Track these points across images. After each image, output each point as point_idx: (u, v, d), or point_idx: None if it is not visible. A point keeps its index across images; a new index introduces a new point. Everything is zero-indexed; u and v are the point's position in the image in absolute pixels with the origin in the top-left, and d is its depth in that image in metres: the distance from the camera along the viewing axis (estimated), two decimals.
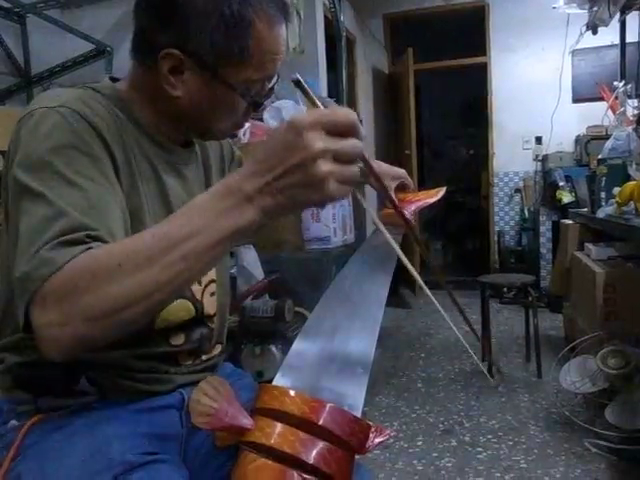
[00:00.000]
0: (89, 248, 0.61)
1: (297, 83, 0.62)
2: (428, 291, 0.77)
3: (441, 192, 1.08)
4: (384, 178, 1.07)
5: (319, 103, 0.64)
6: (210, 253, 0.60)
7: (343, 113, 0.58)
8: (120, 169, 0.76)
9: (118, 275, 0.58)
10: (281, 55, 0.80)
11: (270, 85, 0.84)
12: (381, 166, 1.09)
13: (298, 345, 0.68)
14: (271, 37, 0.77)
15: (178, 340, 0.86)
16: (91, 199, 0.67)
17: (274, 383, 0.73)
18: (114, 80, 0.87)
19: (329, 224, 2.38)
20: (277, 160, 0.57)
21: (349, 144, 0.57)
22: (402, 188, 1.11)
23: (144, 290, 0.59)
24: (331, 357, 0.72)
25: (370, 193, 1.15)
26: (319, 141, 0.55)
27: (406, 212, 1.08)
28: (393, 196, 1.06)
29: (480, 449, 2.24)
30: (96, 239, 0.64)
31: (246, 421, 0.67)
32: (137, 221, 0.78)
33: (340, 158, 0.56)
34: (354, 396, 0.71)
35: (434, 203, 1.06)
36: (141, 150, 0.81)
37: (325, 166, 0.55)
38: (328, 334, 0.68)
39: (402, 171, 1.10)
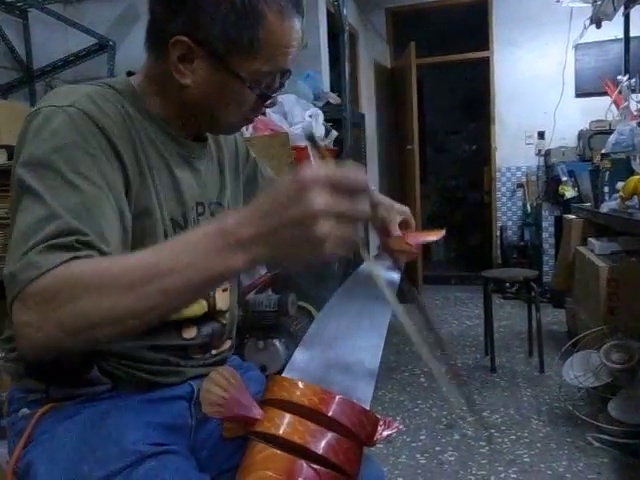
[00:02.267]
0: (76, 257, 0.61)
1: (310, 138, 0.63)
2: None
3: (441, 233, 1.11)
4: (389, 211, 1.06)
5: (330, 159, 0.62)
6: (190, 291, 0.60)
7: (354, 173, 0.55)
8: (128, 169, 0.76)
9: (97, 294, 0.58)
10: (293, 49, 0.79)
11: (282, 80, 0.83)
12: (386, 200, 1.08)
13: (307, 340, 0.68)
14: (283, 30, 0.76)
15: (190, 334, 0.87)
16: (87, 202, 0.67)
17: (285, 372, 0.73)
18: (130, 74, 0.87)
19: None
20: (277, 211, 0.54)
21: (356, 208, 0.55)
22: (405, 226, 1.12)
23: (118, 314, 0.58)
24: (340, 354, 0.72)
25: None
26: (323, 199, 0.53)
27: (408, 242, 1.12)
28: (397, 229, 1.08)
29: (483, 443, 2.25)
30: (86, 244, 0.64)
31: (256, 411, 0.68)
32: (148, 218, 0.78)
33: (343, 219, 0.54)
34: (363, 389, 0.71)
35: (434, 241, 1.08)
36: (152, 144, 0.81)
37: (325, 226, 0.53)
38: (337, 332, 0.68)
39: (406, 209, 1.09)
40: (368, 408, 0.70)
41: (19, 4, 3.32)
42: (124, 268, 0.59)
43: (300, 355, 0.72)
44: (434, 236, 1.11)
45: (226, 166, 0.98)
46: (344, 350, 0.76)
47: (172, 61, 0.77)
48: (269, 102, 0.84)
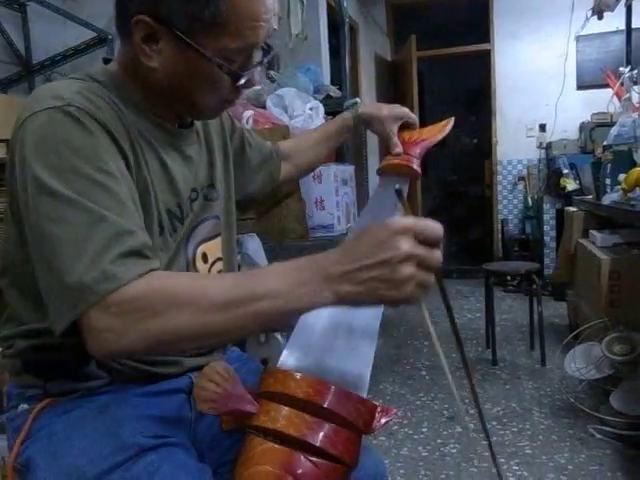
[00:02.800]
0: (152, 269, 0.64)
1: (399, 193, 0.67)
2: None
3: (448, 125, 1.02)
4: (385, 121, 1.06)
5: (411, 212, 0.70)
6: (277, 318, 0.64)
7: (434, 226, 0.62)
8: (129, 161, 0.75)
9: (190, 312, 0.61)
10: (264, 23, 0.74)
11: (258, 59, 0.79)
12: (381, 109, 1.08)
13: (302, 322, 0.68)
14: (248, 2, 0.72)
15: None
16: (119, 199, 0.68)
17: (279, 364, 0.72)
18: (107, 62, 0.84)
19: (333, 212, 2.37)
20: (366, 253, 0.60)
21: (434, 255, 0.61)
22: (405, 127, 1.08)
23: (207, 332, 0.63)
24: (336, 332, 0.71)
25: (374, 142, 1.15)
26: (410, 245, 0.60)
27: (413, 156, 1.04)
28: (398, 141, 1.04)
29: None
30: (145, 246, 0.67)
31: (250, 406, 0.67)
32: (145, 211, 0.77)
33: (422, 265, 0.61)
34: (359, 375, 0.70)
35: (442, 140, 1.01)
36: (142, 135, 0.80)
37: (409, 269, 0.60)
38: (332, 311, 0.67)
39: (404, 110, 1.08)
40: (365, 395, 0.69)
41: None
42: (220, 288, 0.63)
43: (295, 342, 0.71)
44: (440, 132, 1.00)
45: (214, 144, 0.96)
46: (339, 334, 0.75)
47: (136, 42, 0.74)
48: (244, 81, 0.78)
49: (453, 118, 1.03)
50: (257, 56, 0.79)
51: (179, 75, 0.76)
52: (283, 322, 0.65)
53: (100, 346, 0.63)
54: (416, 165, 1.05)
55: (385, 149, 1.08)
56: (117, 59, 0.82)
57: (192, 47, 0.73)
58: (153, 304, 0.62)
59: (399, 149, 1.05)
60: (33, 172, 0.67)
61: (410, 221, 0.62)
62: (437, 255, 0.62)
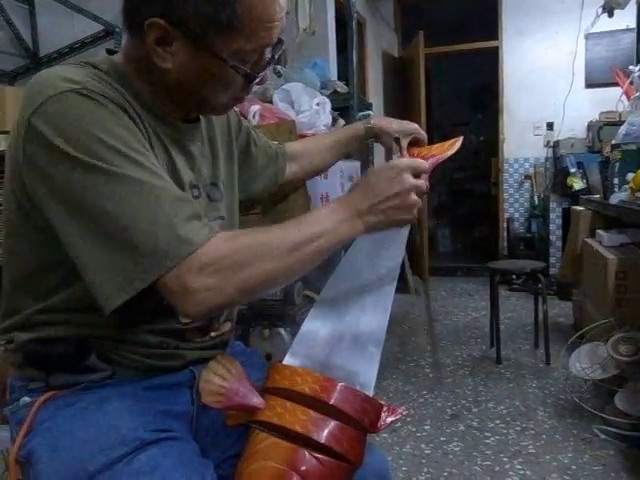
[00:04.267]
0: (212, 230, 0.72)
1: (396, 140, 0.89)
2: None
3: (457, 143, 1.02)
4: (395, 135, 1.08)
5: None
6: (329, 251, 0.75)
7: (422, 163, 0.82)
8: (146, 141, 0.76)
9: (276, 256, 0.70)
10: (277, 22, 0.75)
11: (269, 56, 0.80)
12: (391, 123, 1.10)
13: (309, 321, 0.68)
14: (263, 3, 0.72)
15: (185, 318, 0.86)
16: (156, 172, 0.71)
17: (285, 362, 0.72)
18: (111, 53, 0.83)
19: None
20: (382, 189, 0.77)
21: (424, 184, 0.81)
22: (415, 143, 1.09)
23: (287, 271, 0.72)
24: (342, 334, 0.71)
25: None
26: (412, 178, 0.78)
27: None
28: (407, 156, 1.04)
29: (488, 434, 2.24)
30: (197, 209, 0.73)
31: (257, 400, 0.67)
32: None
33: (419, 192, 0.79)
34: (365, 374, 0.70)
35: (450, 157, 1.01)
36: (150, 125, 0.79)
37: (414, 196, 0.78)
38: (339, 310, 0.67)
39: (414, 126, 1.09)
40: (371, 393, 0.69)
41: None
42: (288, 234, 0.73)
43: (302, 340, 0.71)
44: (449, 150, 1.02)
45: (218, 142, 0.95)
46: (347, 332, 0.75)
47: (150, 45, 0.73)
48: (257, 80, 0.81)
49: (462, 137, 1.05)
50: (268, 53, 0.79)
51: (193, 76, 0.76)
52: (330, 254, 0.76)
53: (199, 304, 0.68)
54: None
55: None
56: (123, 52, 0.81)
57: (207, 49, 0.73)
58: (242, 258, 0.69)
59: None
60: (67, 154, 0.67)
61: (408, 160, 0.82)
62: (425, 183, 0.81)
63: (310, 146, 1.20)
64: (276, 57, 0.82)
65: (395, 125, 1.09)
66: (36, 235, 0.75)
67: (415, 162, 0.81)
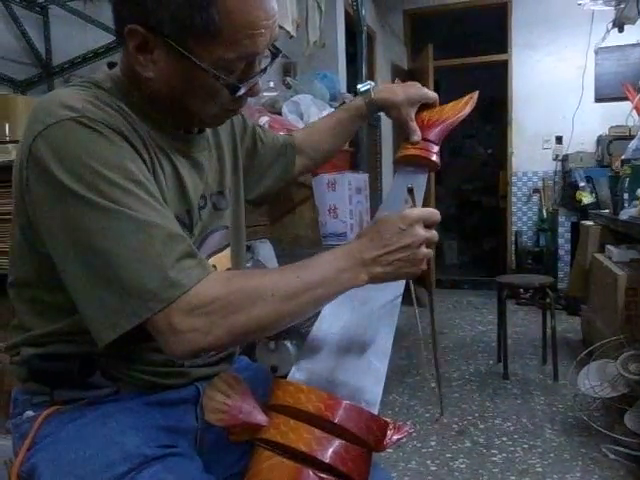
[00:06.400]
0: (208, 272, 0.69)
1: (410, 191, 0.80)
2: None
3: (471, 102, 0.96)
4: (401, 106, 1.02)
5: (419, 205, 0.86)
6: (328, 300, 0.73)
7: (434, 213, 0.77)
8: (148, 165, 0.74)
9: (269, 302, 0.68)
10: (264, 30, 0.70)
11: (263, 65, 0.76)
12: (395, 92, 1.04)
13: (314, 335, 0.67)
14: (244, 9, 0.68)
15: None
16: (152, 205, 0.69)
17: (290, 377, 0.71)
18: (112, 66, 0.82)
19: (346, 220, 2.36)
20: (391, 239, 0.73)
21: (435, 235, 0.77)
22: (425, 106, 1.02)
23: (280, 319, 0.69)
24: (348, 348, 0.70)
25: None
26: (424, 232, 0.75)
27: (432, 141, 0.99)
28: (416, 127, 1.00)
29: (495, 451, 2.21)
30: (191, 246, 0.70)
31: (260, 417, 0.66)
32: None
33: (430, 244, 0.76)
34: (371, 390, 0.69)
35: (464, 119, 0.95)
36: (154, 140, 0.78)
37: (425, 249, 0.75)
38: (345, 324, 0.66)
39: (422, 92, 1.03)
40: (377, 411, 0.68)
41: (39, 0, 3.35)
42: (285, 280, 0.70)
43: (307, 355, 0.70)
44: (463, 110, 0.94)
45: (224, 148, 0.93)
46: (352, 346, 0.74)
47: (130, 53, 0.72)
48: (242, 92, 0.75)
49: (477, 92, 0.98)
50: (262, 63, 0.76)
51: (175, 85, 0.74)
52: (328, 302, 0.74)
53: (185, 345, 0.66)
54: (435, 155, 1.00)
55: (402, 135, 1.03)
56: (119, 65, 0.80)
57: (186, 57, 0.70)
58: (234, 302, 0.67)
59: (417, 136, 1.01)
60: (63, 186, 0.66)
61: (420, 211, 0.76)
62: (436, 234, 0.77)
63: (314, 133, 1.14)
64: (268, 68, 0.78)
65: (400, 93, 1.02)
66: (37, 257, 0.75)
67: (427, 213, 0.76)
